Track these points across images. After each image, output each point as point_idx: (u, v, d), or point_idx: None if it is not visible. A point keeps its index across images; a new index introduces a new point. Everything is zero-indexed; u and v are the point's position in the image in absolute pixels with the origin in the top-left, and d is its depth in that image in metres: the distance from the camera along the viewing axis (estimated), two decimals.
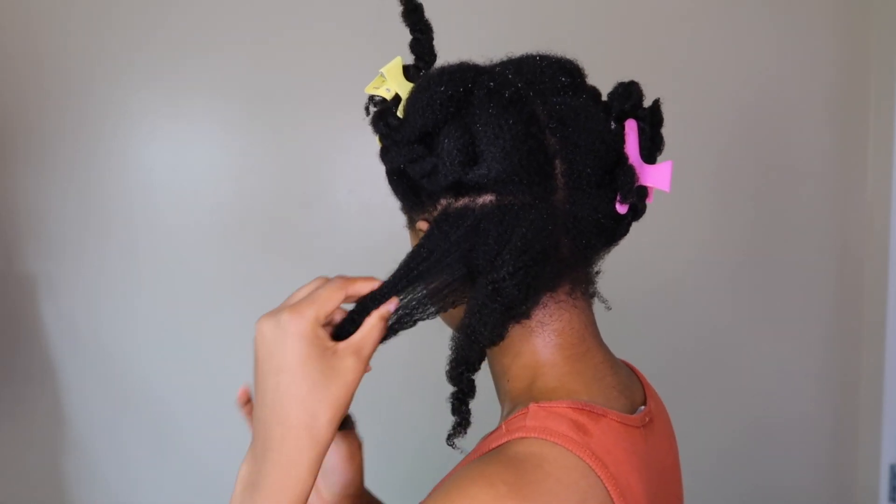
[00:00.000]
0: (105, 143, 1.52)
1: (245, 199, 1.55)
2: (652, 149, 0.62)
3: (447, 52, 0.64)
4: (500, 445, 0.54)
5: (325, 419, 0.54)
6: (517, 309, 0.57)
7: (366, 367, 0.57)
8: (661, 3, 1.58)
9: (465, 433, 0.60)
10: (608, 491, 0.52)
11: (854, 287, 1.69)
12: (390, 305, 0.58)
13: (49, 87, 1.51)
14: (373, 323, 0.57)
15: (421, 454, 1.31)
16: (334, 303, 0.56)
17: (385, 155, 0.61)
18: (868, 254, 1.67)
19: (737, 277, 1.67)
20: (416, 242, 0.63)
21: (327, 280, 0.59)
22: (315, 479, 0.55)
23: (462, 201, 0.57)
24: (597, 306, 0.66)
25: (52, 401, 1.56)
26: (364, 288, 0.58)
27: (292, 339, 0.54)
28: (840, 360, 1.71)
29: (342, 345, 0.56)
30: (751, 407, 1.70)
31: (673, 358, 1.65)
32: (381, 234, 1.54)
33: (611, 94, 0.63)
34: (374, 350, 0.57)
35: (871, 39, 1.64)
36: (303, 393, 0.53)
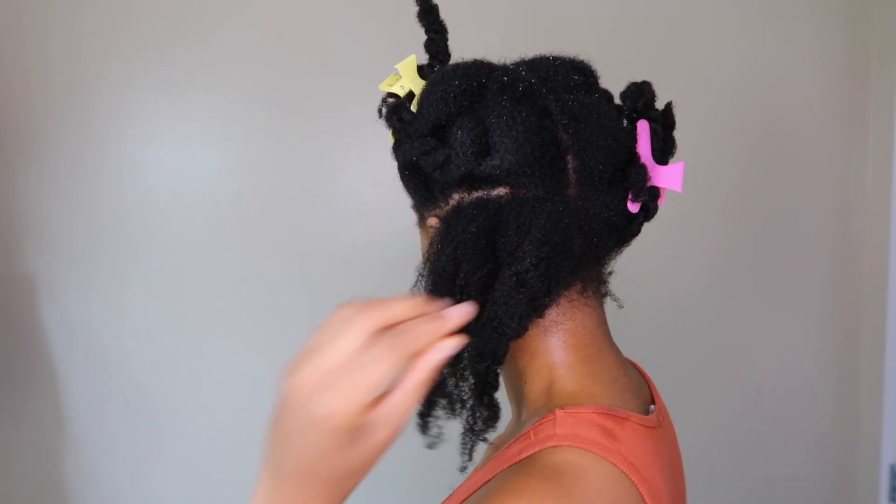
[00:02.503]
0: (105, 143, 1.52)
1: (245, 199, 1.55)
2: (664, 150, 0.63)
3: (461, 53, 0.64)
4: (532, 455, 0.54)
5: (345, 492, 0.48)
6: (541, 300, 0.56)
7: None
8: (660, 5, 1.58)
9: (496, 426, 0.59)
10: (641, 495, 0.52)
11: (854, 287, 1.69)
12: (440, 354, 0.46)
13: (49, 88, 1.50)
14: (412, 388, 0.45)
15: (428, 454, 1.31)
16: (385, 379, 0.44)
17: (398, 149, 0.61)
18: (868, 253, 1.67)
19: (736, 277, 1.67)
20: (425, 240, 0.63)
21: (365, 319, 0.45)
22: None
23: (475, 195, 0.57)
24: (608, 305, 0.66)
25: (52, 401, 1.56)
26: (421, 342, 0.46)
27: (322, 436, 0.44)
28: (840, 360, 1.71)
29: (375, 416, 0.45)
30: (751, 407, 1.70)
31: (672, 357, 1.65)
32: (381, 234, 1.54)
33: (623, 94, 0.63)
34: (410, 412, 0.47)
35: (871, 39, 1.64)
36: (323, 476, 0.46)
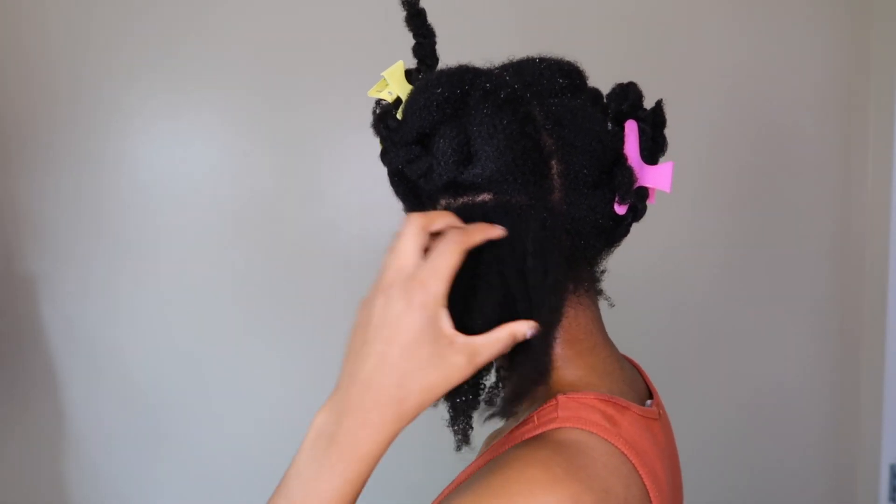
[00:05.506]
0: (105, 143, 1.52)
1: (245, 198, 1.55)
2: (654, 149, 0.63)
3: (449, 57, 0.64)
4: (537, 435, 0.55)
5: (415, 402, 0.51)
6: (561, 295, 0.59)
7: (471, 373, 0.52)
8: (660, 4, 1.58)
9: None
10: (641, 477, 0.54)
11: (854, 287, 1.69)
12: (527, 329, 0.53)
13: (49, 87, 1.50)
14: (502, 337, 0.52)
15: (426, 449, 1.31)
16: (457, 264, 0.51)
17: (384, 156, 0.62)
18: (868, 253, 1.67)
19: (736, 277, 1.67)
20: None
21: (416, 221, 0.53)
22: (387, 449, 0.53)
23: (461, 200, 0.58)
24: (601, 303, 0.67)
25: (52, 401, 1.56)
26: (479, 236, 0.54)
27: (415, 313, 0.50)
28: (840, 359, 1.71)
29: (461, 339, 0.51)
30: (751, 406, 1.70)
31: (672, 356, 1.65)
32: (381, 234, 1.53)
33: (608, 95, 0.63)
34: (488, 361, 0.53)
35: (871, 39, 1.64)
36: (406, 370, 0.50)
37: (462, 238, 0.52)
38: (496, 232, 0.54)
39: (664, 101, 0.64)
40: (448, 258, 0.51)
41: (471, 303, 0.55)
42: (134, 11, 1.49)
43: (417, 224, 0.52)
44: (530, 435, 0.56)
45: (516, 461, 0.51)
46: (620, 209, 0.59)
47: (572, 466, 0.50)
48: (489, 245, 0.55)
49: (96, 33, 1.50)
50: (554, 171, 0.57)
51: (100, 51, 1.50)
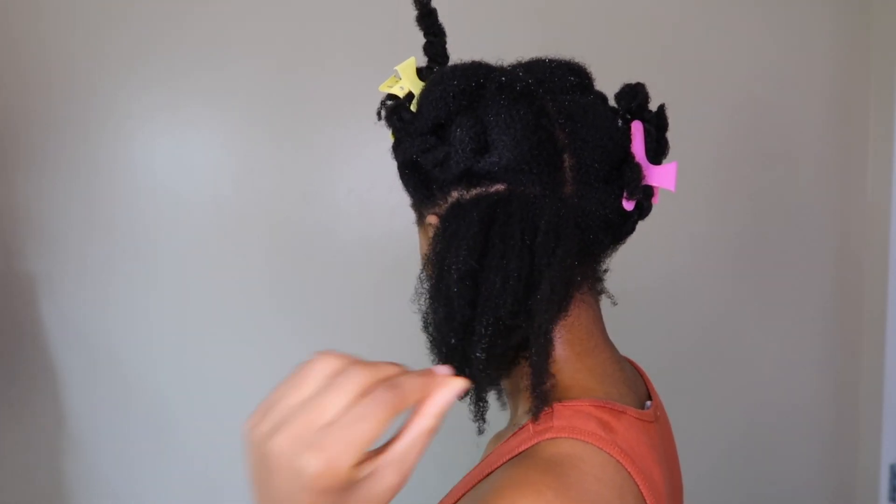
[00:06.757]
0: (106, 142, 1.52)
1: (245, 199, 1.55)
2: (657, 151, 0.64)
3: (459, 56, 0.65)
4: (530, 447, 0.55)
5: None
6: (569, 290, 0.58)
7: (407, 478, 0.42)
8: (660, 5, 1.58)
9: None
10: (637, 485, 0.53)
11: (854, 287, 1.69)
12: (451, 392, 0.42)
13: (50, 87, 1.50)
14: (421, 432, 0.42)
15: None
16: (379, 433, 0.40)
17: (398, 147, 0.63)
18: (868, 253, 1.67)
19: (737, 277, 1.67)
20: (424, 238, 0.64)
21: (358, 373, 0.40)
22: None
23: (474, 192, 0.58)
24: (603, 302, 0.67)
25: (52, 401, 1.56)
26: (415, 396, 0.41)
27: (315, 496, 0.39)
28: (840, 359, 1.71)
29: (383, 461, 0.41)
30: (751, 407, 1.70)
31: (672, 357, 1.65)
32: (380, 234, 1.54)
33: (617, 95, 0.64)
34: (419, 459, 0.42)
35: (870, 39, 1.64)
36: None
37: (392, 398, 0.40)
38: (451, 391, 0.42)
39: (666, 106, 0.65)
40: (367, 426, 0.39)
41: (476, 290, 0.55)
42: (133, 11, 1.49)
43: (363, 380, 0.40)
44: (525, 446, 0.55)
45: (507, 488, 0.50)
46: (628, 205, 0.60)
47: (563, 486, 0.49)
48: (498, 228, 0.56)
49: (94, 33, 1.49)
50: (566, 164, 0.58)
51: (99, 51, 1.50)
